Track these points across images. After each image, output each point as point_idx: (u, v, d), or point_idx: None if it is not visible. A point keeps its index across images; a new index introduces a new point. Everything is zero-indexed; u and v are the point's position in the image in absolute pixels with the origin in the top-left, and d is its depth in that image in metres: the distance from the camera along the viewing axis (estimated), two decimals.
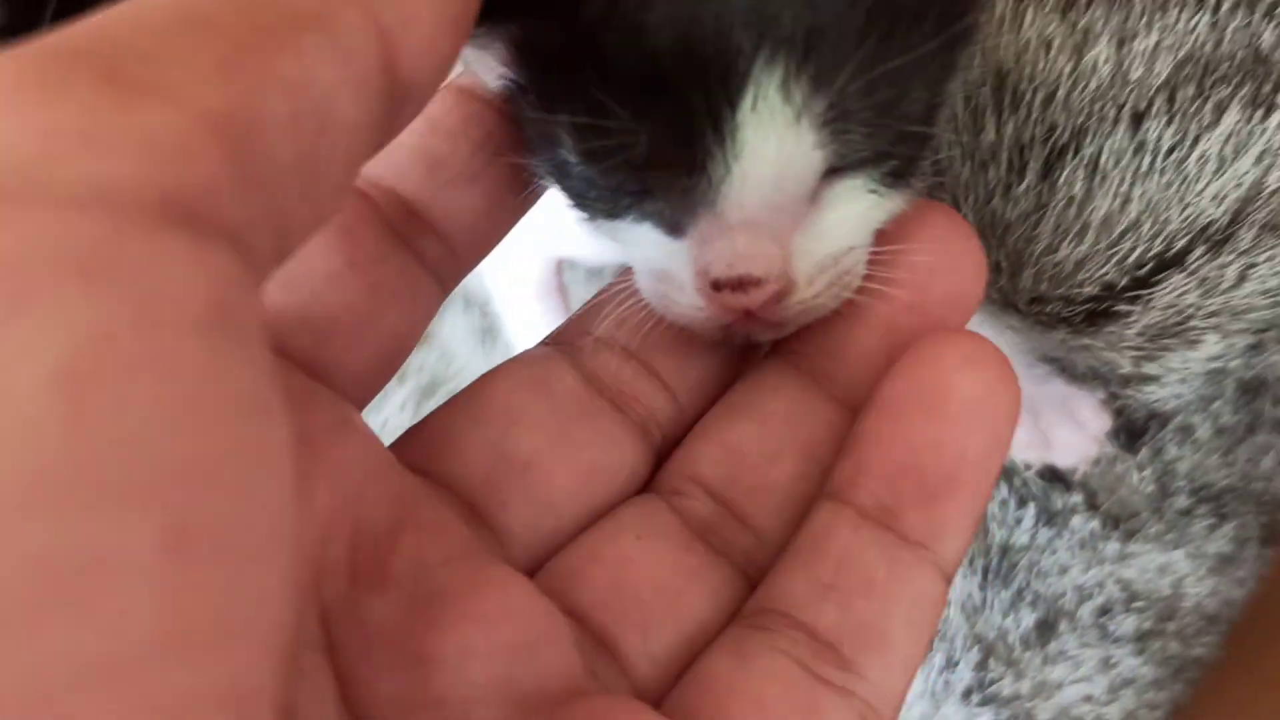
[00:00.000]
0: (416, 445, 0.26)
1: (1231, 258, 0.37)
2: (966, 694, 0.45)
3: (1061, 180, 0.35)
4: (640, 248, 0.27)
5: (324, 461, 0.22)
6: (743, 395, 0.28)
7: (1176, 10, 0.36)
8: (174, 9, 0.15)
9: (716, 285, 0.26)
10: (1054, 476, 0.47)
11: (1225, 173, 0.36)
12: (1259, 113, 0.37)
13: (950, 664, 0.45)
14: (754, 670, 0.24)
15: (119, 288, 0.13)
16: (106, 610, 0.12)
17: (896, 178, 0.27)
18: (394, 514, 0.23)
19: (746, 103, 0.24)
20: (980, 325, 0.42)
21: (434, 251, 0.26)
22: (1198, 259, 0.37)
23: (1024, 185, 0.36)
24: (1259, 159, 0.37)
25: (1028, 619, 0.45)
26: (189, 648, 0.12)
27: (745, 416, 0.28)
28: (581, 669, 0.23)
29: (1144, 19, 0.36)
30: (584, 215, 0.28)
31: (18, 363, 0.12)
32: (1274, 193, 0.37)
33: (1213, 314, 0.38)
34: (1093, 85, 0.35)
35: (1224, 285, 0.38)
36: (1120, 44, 0.36)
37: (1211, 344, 0.40)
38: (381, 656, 0.21)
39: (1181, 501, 0.47)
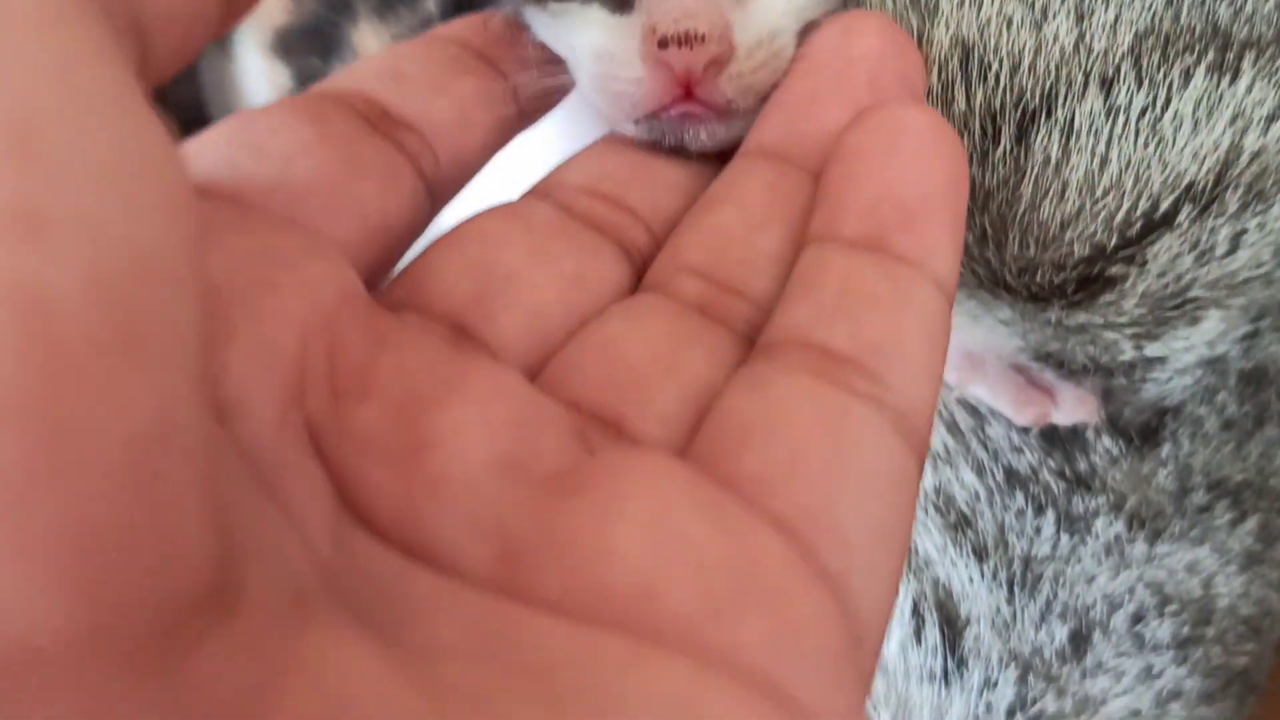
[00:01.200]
0: (395, 288, 0.26)
1: (1221, 221, 0.37)
2: (1010, 714, 0.43)
3: (1037, 144, 0.35)
4: (587, 31, 0.30)
5: (295, 271, 0.21)
6: (718, 188, 0.30)
7: None
8: None
9: (663, 42, 0.28)
10: (1076, 480, 0.46)
11: (1201, 133, 0.36)
12: (1226, 77, 0.37)
13: (989, 684, 0.43)
14: (774, 394, 0.23)
15: None
16: None
17: None
18: (373, 333, 0.22)
19: None
20: (972, 323, 0.41)
21: (412, 143, 0.27)
22: (1186, 219, 0.36)
23: (1000, 150, 0.36)
24: (1232, 120, 0.37)
25: (1060, 632, 0.43)
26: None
27: (724, 201, 0.29)
28: (583, 450, 0.22)
29: None
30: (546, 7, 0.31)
31: None
32: (1254, 156, 0.37)
33: (1211, 284, 0.38)
34: (1056, 55, 0.36)
35: (1218, 252, 0.37)
36: (1080, 19, 0.37)
37: (1214, 320, 0.39)
38: (375, 451, 0.20)
39: (1200, 498, 0.45)
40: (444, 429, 0.20)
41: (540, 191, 0.30)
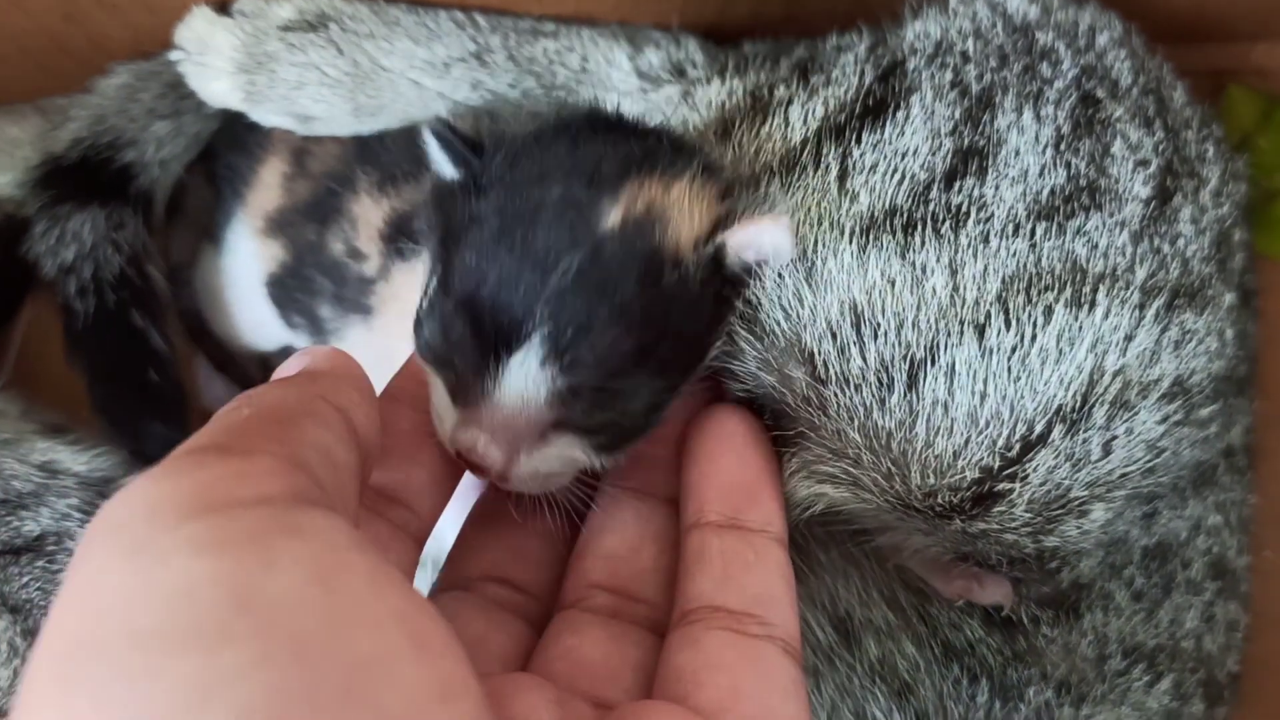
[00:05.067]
0: None
1: (1091, 432, 0.43)
2: None
3: (925, 389, 0.42)
4: (434, 385, 0.40)
5: None
6: (596, 519, 0.42)
7: (997, 239, 0.44)
8: (245, 418, 0.28)
9: (458, 453, 0.38)
10: (1013, 654, 0.51)
11: (1065, 362, 0.43)
12: (1084, 309, 0.44)
13: None
14: (704, 647, 0.35)
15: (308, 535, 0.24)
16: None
17: (602, 446, 0.40)
18: None
19: (517, 356, 0.38)
20: (893, 535, 0.47)
21: (400, 516, 0.37)
22: (1059, 436, 0.42)
23: (895, 398, 0.42)
24: (1093, 346, 0.43)
25: None
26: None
27: (605, 531, 0.41)
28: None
29: (969, 250, 0.44)
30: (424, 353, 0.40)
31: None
32: (1115, 373, 0.44)
33: (1089, 484, 0.44)
34: (934, 309, 0.43)
35: (1093, 458, 0.43)
36: (953, 272, 0.44)
37: (1100, 511, 0.45)
38: None
39: (1117, 663, 0.50)
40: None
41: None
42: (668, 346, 0.40)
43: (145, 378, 0.60)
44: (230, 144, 0.64)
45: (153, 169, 0.63)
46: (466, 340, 0.38)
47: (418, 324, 0.41)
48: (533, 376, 0.38)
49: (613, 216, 0.39)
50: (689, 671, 0.34)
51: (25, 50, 0.61)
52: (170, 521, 0.23)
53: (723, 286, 0.43)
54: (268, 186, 0.63)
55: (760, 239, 0.42)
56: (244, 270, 0.65)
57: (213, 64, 0.55)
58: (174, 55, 0.57)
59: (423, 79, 0.57)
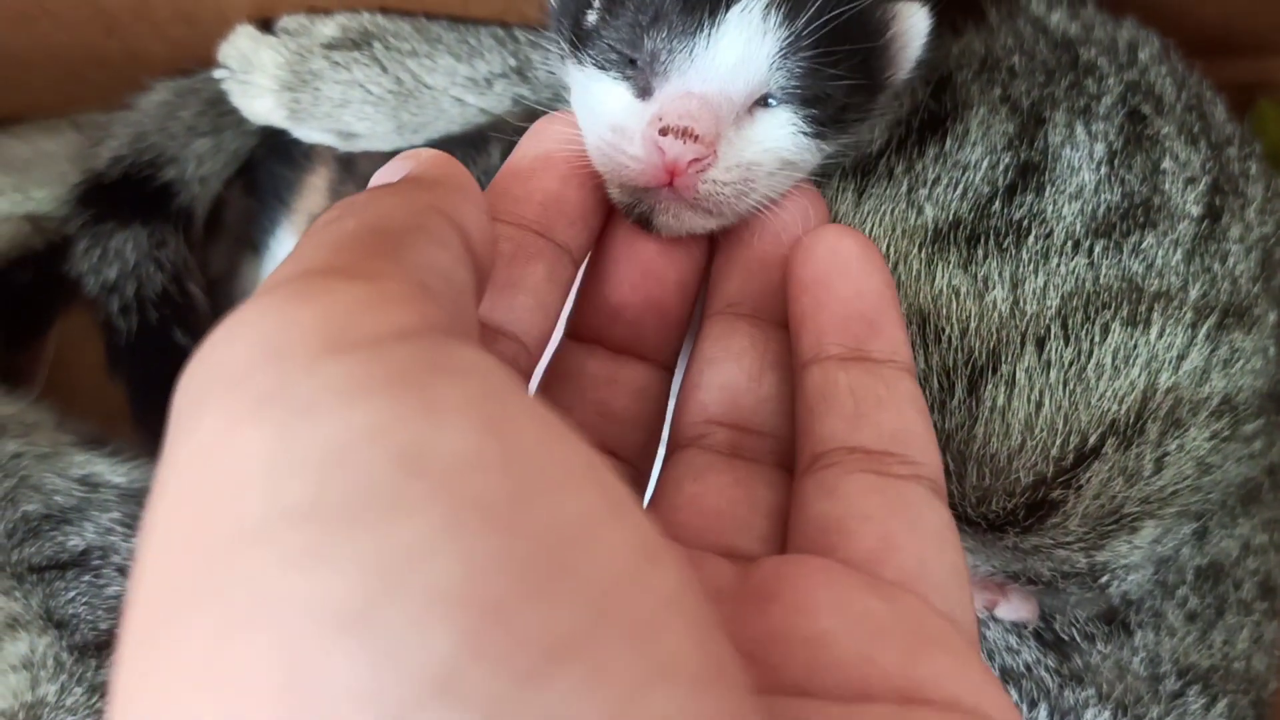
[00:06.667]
0: None
1: (1144, 449, 0.43)
2: None
3: (986, 394, 0.42)
4: (610, 103, 0.37)
5: None
6: (709, 349, 0.37)
7: (1057, 256, 0.45)
8: (353, 233, 0.24)
9: (664, 131, 0.35)
10: (1070, 674, 0.51)
11: (1120, 378, 0.43)
12: (1139, 328, 0.44)
13: None
14: (843, 493, 0.31)
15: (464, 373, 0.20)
16: None
17: (813, 125, 0.37)
18: None
19: (739, 5, 0.35)
20: None
21: (509, 349, 0.34)
22: (1111, 449, 0.43)
23: (955, 401, 0.42)
24: (1147, 364, 0.44)
25: None
26: None
27: (720, 360, 0.37)
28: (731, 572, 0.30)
29: (1030, 265, 0.44)
30: (586, 69, 0.38)
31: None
32: (1168, 391, 0.44)
33: (1142, 500, 0.44)
34: (996, 320, 0.43)
35: (1145, 473, 0.44)
36: (1014, 286, 0.44)
37: (1150, 528, 0.45)
38: None
39: (1172, 684, 0.50)
40: None
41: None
42: (861, 51, 0.38)
43: None
44: (273, 153, 0.65)
45: (193, 186, 0.63)
46: (673, 7, 0.36)
47: (586, 37, 0.39)
48: (755, 27, 0.35)
49: None
50: (833, 520, 0.30)
51: (61, 62, 0.61)
52: (302, 362, 0.19)
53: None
54: (315, 190, 0.63)
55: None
56: None
57: (257, 82, 0.56)
58: (218, 73, 0.57)
59: (465, 95, 0.57)
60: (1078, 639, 0.50)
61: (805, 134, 0.38)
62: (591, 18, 0.39)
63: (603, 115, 0.37)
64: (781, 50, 0.36)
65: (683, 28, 0.36)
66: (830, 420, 0.33)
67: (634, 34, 0.37)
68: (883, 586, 0.28)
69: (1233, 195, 0.51)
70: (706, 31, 0.35)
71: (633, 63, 0.37)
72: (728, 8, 0.35)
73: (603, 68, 0.38)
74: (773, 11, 0.36)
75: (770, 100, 0.37)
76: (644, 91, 0.37)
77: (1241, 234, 0.50)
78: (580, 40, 0.39)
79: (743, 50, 0.36)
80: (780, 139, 0.38)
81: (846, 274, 0.35)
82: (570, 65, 0.40)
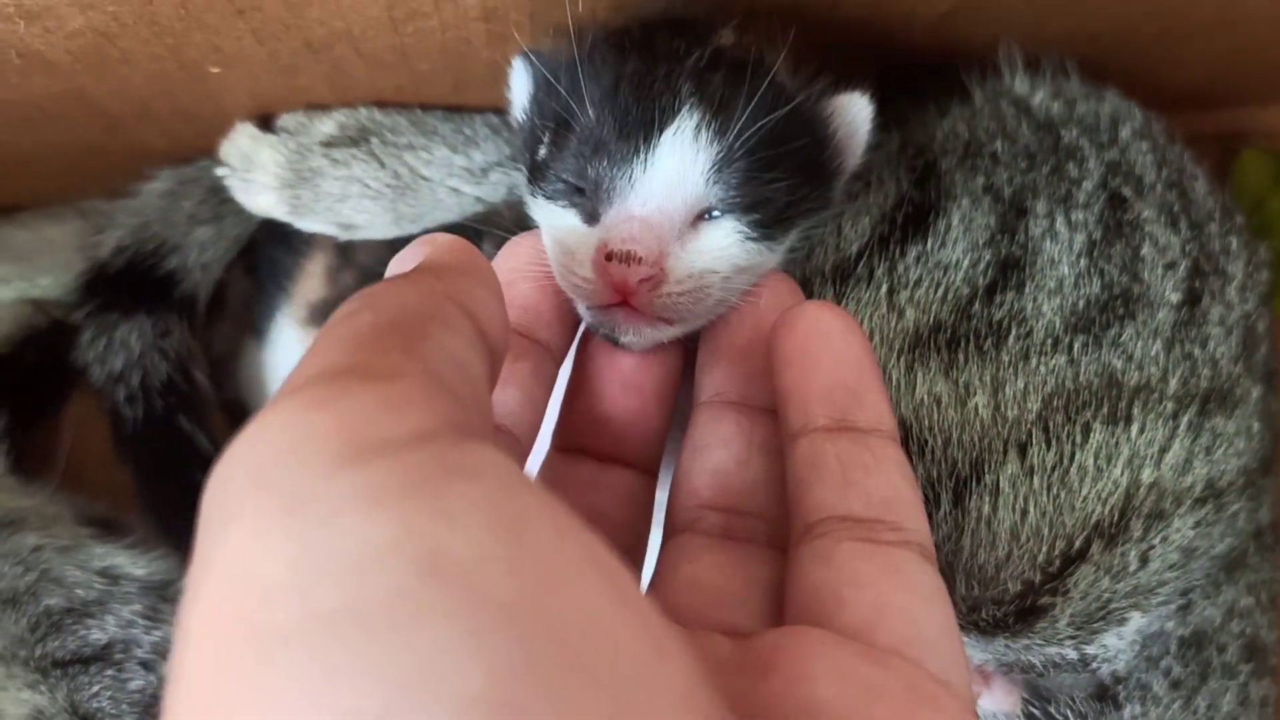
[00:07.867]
0: None
1: (1129, 546, 0.44)
2: None
3: (970, 506, 0.43)
4: (563, 229, 0.39)
5: None
6: (698, 437, 0.39)
7: (1037, 356, 0.46)
8: (370, 328, 0.24)
9: (609, 256, 0.37)
10: None
11: (1102, 478, 0.44)
12: (1120, 425, 0.45)
13: None
14: (837, 562, 0.32)
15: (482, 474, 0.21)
16: None
17: (758, 229, 0.39)
18: None
19: (669, 129, 0.37)
20: None
21: (504, 441, 0.35)
22: (1097, 550, 0.44)
23: (940, 513, 0.44)
24: (1129, 462, 0.45)
25: None
26: None
27: (710, 447, 0.38)
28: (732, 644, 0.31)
29: (1010, 367, 0.45)
30: (538, 200, 0.41)
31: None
32: (1151, 486, 0.45)
33: (1128, 594, 0.45)
34: (978, 428, 0.44)
35: (1130, 569, 0.45)
36: (995, 390, 0.45)
37: (1137, 618, 0.46)
38: None
39: None
40: None
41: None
42: (799, 150, 0.40)
43: (194, 479, 0.61)
44: (272, 238, 0.65)
45: (195, 273, 0.64)
46: (610, 137, 0.38)
47: (539, 170, 0.41)
48: (687, 147, 0.37)
49: (725, 37, 0.42)
50: (828, 589, 0.31)
51: (63, 157, 0.62)
52: (325, 469, 0.19)
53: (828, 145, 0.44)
54: (312, 277, 0.64)
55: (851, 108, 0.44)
56: (288, 362, 0.66)
57: (258, 179, 0.57)
58: (219, 171, 0.58)
59: (461, 186, 0.58)
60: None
61: (752, 239, 0.40)
62: (542, 151, 0.41)
63: (559, 238, 0.40)
64: (715, 165, 0.38)
65: (621, 155, 0.38)
66: (820, 490, 0.34)
67: (579, 164, 0.39)
68: (877, 654, 0.29)
69: (1213, 275, 0.52)
70: (643, 156, 0.38)
71: (580, 191, 0.39)
72: (660, 132, 0.38)
73: (551, 198, 0.40)
74: (703, 130, 0.38)
75: (713, 212, 0.39)
76: (591, 217, 0.39)
77: (1222, 315, 0.51)
78: (534, 174, 0.41)
79: (677, 170, 0.38)
80: (727, 247, 0.39)
81: (828, 345, 0.36)
82: (527, 195, 0.42)
